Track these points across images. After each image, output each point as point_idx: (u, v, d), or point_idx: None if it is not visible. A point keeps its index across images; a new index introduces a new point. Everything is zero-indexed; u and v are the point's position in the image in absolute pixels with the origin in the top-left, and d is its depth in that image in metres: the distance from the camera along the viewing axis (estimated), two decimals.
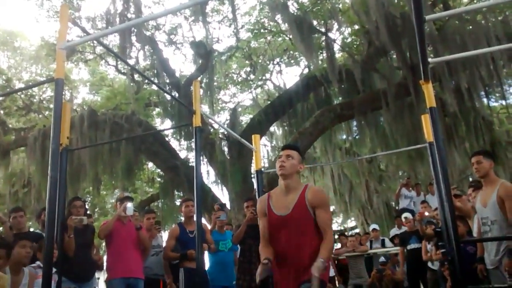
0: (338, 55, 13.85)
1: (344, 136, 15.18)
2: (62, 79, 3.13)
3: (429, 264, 7.06)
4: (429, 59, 3.33)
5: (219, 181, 13.55)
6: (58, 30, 3.44)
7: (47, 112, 14.64)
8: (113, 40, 13.66)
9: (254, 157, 5.54)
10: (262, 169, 5.51)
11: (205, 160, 12.79)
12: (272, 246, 2.98)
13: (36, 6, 14.04)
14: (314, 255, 2.79)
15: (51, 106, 14.33)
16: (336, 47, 13.38)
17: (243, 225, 5.54)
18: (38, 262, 4.08)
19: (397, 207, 12.12)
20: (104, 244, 5.96)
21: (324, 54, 13.27)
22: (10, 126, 14.41)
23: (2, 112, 14.08)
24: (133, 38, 13.01)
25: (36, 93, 14.39)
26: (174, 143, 15.44)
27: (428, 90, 3.46)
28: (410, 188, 9.91)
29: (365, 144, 14.29)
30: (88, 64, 15.76)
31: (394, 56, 12.26)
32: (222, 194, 13.30)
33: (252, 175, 13.02)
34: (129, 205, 5.06)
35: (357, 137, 14.44)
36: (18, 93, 14.11)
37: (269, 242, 3.01)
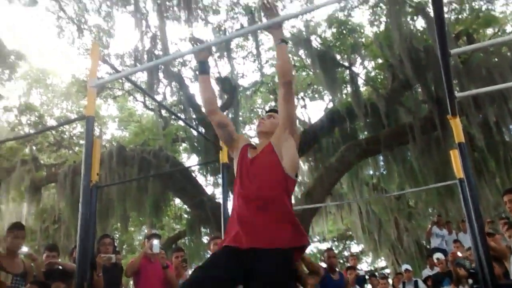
0: (362, 89, 13.87)
1: (371, 172, 14.99)
2: (93, 116, 3.21)
3: None
4: (456, 94, 3.31)
5: None
6: (89, 68, 3.56)
7: (77, 148, 14.98)
8: (141, 77, 14.02)
9: None
10: None
11: (231, 195, 12.77)
12: (234, 195, 2.56)
13: (68, 44, 14.59)
14: (281, 216, 2.36)
15: (81, 141, 14.69)
16: (360, 81, 13.42)
17: None
18: None
19: (428, 246, 11.76)
20: (132, 282, 5.94)
21: (348, 88, 13.33)
22: (42, 162, 14.77)
23: (34, 148, 14.48)
24: (160, 75, 13.33)
25: (66, 129, 14.80)
26: (200, 178, 15.53)
27: (456, 125, 3.42)
28: (442, 226, 9.64)
29: (393, 180, 14.07)
30: (116, 100, 16.16)
31: (419, 90, 12.21)
32: None
33: None
34: (155, 242, 5.03)
35: (384, 172, 14.25)
36: (50, 130, 14.52)
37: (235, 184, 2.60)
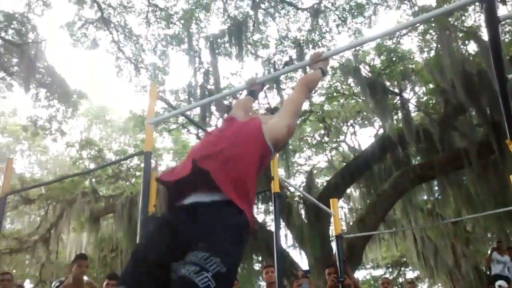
0: (413, 114, 13.69)
1: (425, 197, 14.60)
2: (151, 152, 3.41)
3: None
4: None
5: (297, 245, 13.43)
6: (147, 106, 3.76)
7: (133, 179, 15.54)
8: (194, 110, 14.47)
9: (332, 221, 5.56)
10: (342, 235, 5.50)
11: (283, 223, 12.80)
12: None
13: (125, 82, 15.40)
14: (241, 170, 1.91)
15: (137, 173, 15.23)
16: (411, 106, 13.27)
17: None
18: None
19: (488, 273, 11.33)
20: None
21: (399, 114, 13.19)
22: (101, 193, 15.43)
23: (94, 180, 15.17)
24: (213, 108, 13.74)
25: (124, 162, 15.44)
26: None
27: None
28: (503, 252, 9.26)
29: (449, 204, 13.65)
30: (171, 133, 16.72)
31: (474, 113, 11.91)
32: (301, 259, 13.12)
33: (331, 239, 12.81)
34: None
35: (439, 197, 13.85)
36: (110, 165, 15.20)
37: None
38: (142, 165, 3.46)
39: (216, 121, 14.43)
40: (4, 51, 13.16)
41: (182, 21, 14.30)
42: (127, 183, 15.56)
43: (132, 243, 12.07)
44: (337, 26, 13.95)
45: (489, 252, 9.48)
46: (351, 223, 14.41)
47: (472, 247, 15.66)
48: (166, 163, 18.97)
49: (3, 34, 13.03)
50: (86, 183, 15.16)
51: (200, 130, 14.70)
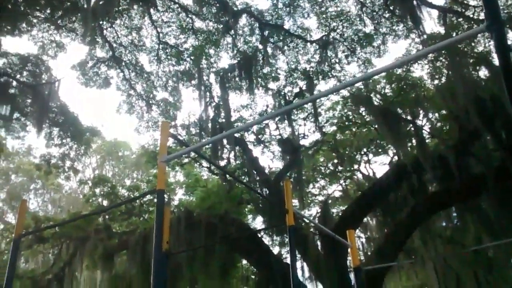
0: (427, 140, 13.53)
1: (444, 224, 14.27)
2: (163, 190, 3.37)
3: None
4: None
5: (313, 277, 13.14)
6: (159, 145, 3.75)
7: (147, 215, 15.47)
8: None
9: (350, 253, 5.42)
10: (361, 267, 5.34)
11: (298, 255, 12.57)
12: None
13: (137, 118, 15.49)
14: None
15: (151, 208, 15.18)
16: (425, 133, 13.13)
17: None
18: None
19: None
20: None
21: (413, 141, 13.04)
22: (114, 230, 15.34)
23: (107, 217, 15.11)
24: (224, 141, 13.75)
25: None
26: (266, 238, 15.44)
27: None
28: None
29: (468, 231, 13.30)
30: (183, 168, 16.71)
31: (489, 138, 11.72)
32: None
33: (350, 269, 12.51)
34: None
35: (458, 224, 13.52)
36: (121, 200, 15.19)
37: None
38: (155, 200, 3.43)
39: (228, 154, 14.44)
40: (19, 93, 13.38)
41: (192, 57, 14.49)
42: (141, 219, 15.49)
43: (146, 279, 11.88)
44: (346, 56, 14.02)
45: None
46: (369, 253, 14.08)
47: (495, 273, 15.13)
48: (178, 196, 18.92)
49: (18, 76, 13.28)
50: (99, 220, 15.11)
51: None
